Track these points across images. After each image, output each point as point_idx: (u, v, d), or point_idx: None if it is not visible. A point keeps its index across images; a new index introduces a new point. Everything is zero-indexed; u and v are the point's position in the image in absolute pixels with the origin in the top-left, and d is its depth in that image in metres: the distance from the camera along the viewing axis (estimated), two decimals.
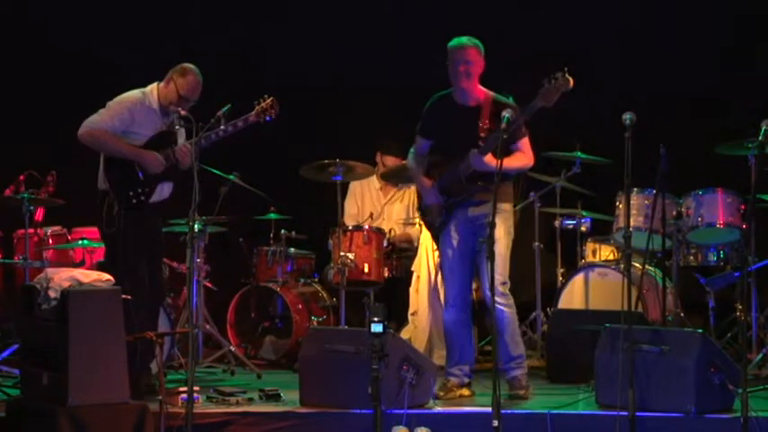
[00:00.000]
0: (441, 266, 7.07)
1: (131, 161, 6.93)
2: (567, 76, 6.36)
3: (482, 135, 6.75)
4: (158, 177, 7.00)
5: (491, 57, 6.80)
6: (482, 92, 6.87)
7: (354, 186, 8.91)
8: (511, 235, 6.94)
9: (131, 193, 6.95)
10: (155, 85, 7.08)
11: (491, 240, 5.95)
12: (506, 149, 6.57)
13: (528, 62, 8.48)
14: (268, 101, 7.10)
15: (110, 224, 6.94)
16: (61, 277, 6.14)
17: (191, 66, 7.05)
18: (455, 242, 6.94)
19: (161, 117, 7.06)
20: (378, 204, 8.97)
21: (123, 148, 6.94)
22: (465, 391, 6.98)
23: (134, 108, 6.98)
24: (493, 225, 5.95)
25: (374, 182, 8.99)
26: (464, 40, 6.84)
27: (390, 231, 8.55)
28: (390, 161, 8.77)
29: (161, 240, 7.24)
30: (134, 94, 7.06)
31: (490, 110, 6.80)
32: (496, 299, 6.72)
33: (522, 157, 6.84)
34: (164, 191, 7.08)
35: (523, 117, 6.60)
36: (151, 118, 7.02)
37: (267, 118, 7.11)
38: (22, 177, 8.13)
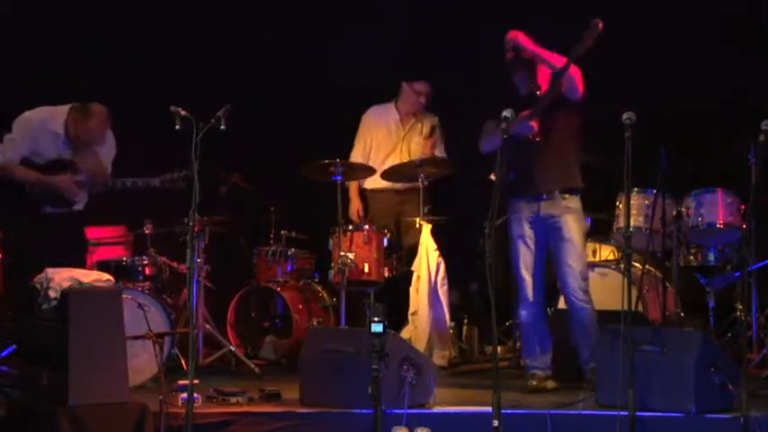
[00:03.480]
0: (513, 264, 7.13)
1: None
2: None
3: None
4: (46, 201, 7.00)
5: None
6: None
7: (367, 121, 8.73)
8: (583, 230, 7.16)
9: (20, 205, 6.97)
10: (68, 107, 7.05)
11: (491, 240, 5.96)
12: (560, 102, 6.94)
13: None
14: (180, 175, 7.05)
15: (10, 227, 7.02)
16: (61, 277, 6.15)
17: (95, 108, 7.05)
18: (530, 241, 7.07)
19: (65, 144, 7.02)
20: (396, 137, 8.78)
21: (31, 180, 6.95)
22: (551, 383, 7.07)
23: (38, 128, 6.99)
24: (492, 225, 5.98)
25: (393, 113, 8.80)
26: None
27: (387, 232, 8.47)
28: (419, 87, 8.64)
29: (74, 249, 7.22)
30: (40, 113, 7.05)
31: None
32: (579, 297, 7.00)
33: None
34: (59, 208, 7.08)
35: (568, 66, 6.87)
36: (53, 141, 7.01)
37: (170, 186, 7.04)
38: None
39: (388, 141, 8.79)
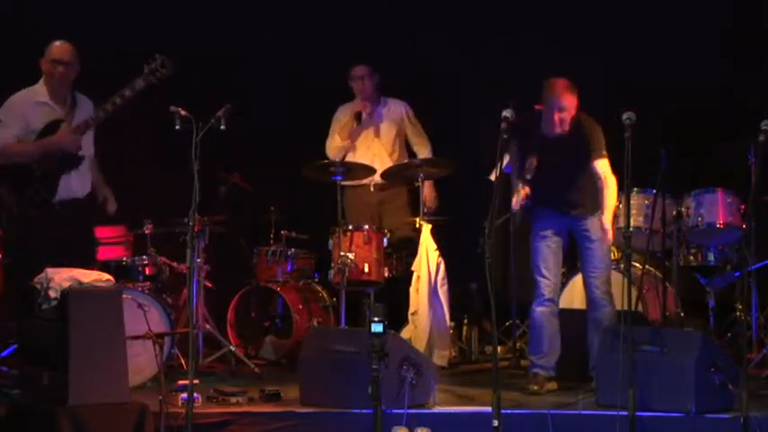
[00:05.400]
0: (532, 261, 7.15)
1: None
2: None
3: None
4: (59, 170, 6.95)
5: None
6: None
7: (339, 116, 8.81)
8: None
9: (30, 192, 6.92)
10: (40, 81, 7.05)
11: (491, 240, 5.96)
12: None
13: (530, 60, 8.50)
14: (158, 61, 6.88)
15: (10, 227, 6.95)
16: (61, 277, 6.15)
17: (59, 48, 7.04)
18: (552, 241, 7.08)
19: (55, 106, 7.00)
20: (359, 127, 8.81)
21: (32, 149, 6.90)
22: (553, 385, 7.05)
23: (24, 108, 6.95)
24: (492, 225, 5.98)
25: (357, 105, 8.84)
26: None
27: (387, 233, 8.46)
28: (355, 72, 8.67)
29: (87, 241, 7.19)
30: (20, 94, 7.02)
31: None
32: (603, 296, 6.99)
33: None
34: (73, 187, 7.01)
35: None
36: (43, 111, 6.97)
37: (155, 79, 6.82)
38: None
39: (353, 133, 8.80)
